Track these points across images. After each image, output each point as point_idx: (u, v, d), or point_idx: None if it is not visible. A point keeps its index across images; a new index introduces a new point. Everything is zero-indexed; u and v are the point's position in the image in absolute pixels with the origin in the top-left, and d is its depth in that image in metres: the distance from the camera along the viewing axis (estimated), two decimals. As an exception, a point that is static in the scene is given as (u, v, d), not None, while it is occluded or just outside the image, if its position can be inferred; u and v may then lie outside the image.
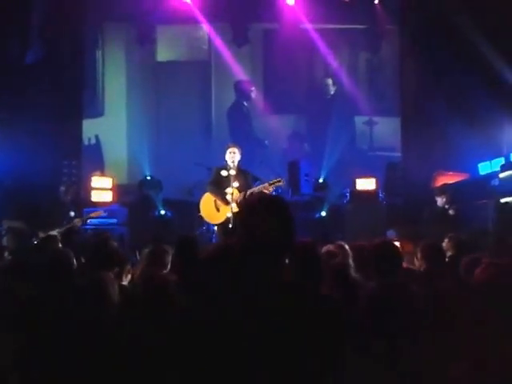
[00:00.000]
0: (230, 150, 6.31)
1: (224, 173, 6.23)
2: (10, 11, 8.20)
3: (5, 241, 5.58)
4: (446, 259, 3.98)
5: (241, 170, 6.32)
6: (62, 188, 7.20)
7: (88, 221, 7.38)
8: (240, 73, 9.95)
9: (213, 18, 9.54)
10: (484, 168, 8.27)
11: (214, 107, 10.22)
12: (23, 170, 7.78)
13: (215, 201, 6.34)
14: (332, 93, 10.24)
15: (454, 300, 2.71)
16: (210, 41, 9.84)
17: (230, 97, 10.14)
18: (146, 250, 3.81)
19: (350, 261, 3.72)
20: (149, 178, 9.17)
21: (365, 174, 8.96)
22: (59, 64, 8.69)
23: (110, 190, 8.77)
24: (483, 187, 7.02)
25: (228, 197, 6.18)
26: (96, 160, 9.09)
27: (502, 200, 6.56)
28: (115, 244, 3.89)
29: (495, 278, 2.79)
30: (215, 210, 6.34)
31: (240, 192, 6.14)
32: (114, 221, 7.91)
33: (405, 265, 3.73)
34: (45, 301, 2.90)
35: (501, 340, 2.24)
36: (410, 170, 8.98)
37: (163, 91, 9.95)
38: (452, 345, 2.31)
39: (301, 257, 2.67)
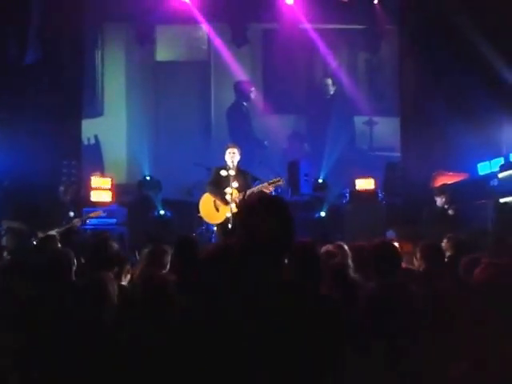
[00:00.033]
0: (229, 150, 6.31)
1: (223, 173, 6.23)
2: (10, 11, 8.19)
3: (4, 241, 5.58)
4: (445, 259, 3.98)
5: (240, 170, 6.32)
6: (62, 188, 7.19)
7: (87, 221, 7.37)
8: (239, 73, 9.95)
9: (212, 18, 9.54)
10: (483, 168, 8.28)
11: (214, 107, 10.22)
12: (22, 170, 7.78)
13: (214, 201, 6.33)
14: (331, 93, 10.24)
15: (454, 300, 2.71)
16: (209, 41, 9.84)
17: (230, 97, 10.14)
18: (146, 250, 3.81)
19: (349, 261, 3.72)
20: (148, 178, 9.17)
21: (364, 174, 8.97)
22: (59, 64, 8.69)
23: (110, 189, 8.77)
24: (482, 187, 7.02)
25: (227, 197, 6.18)
26: (95, 160, 9.09)
27: (502, 200, 6.56)
28: (115, 244, 3.89)
29: (495, 278, 2.79)
30: (215, 210, 6.34)
31: (239, 192, 6.14)
32: (114, 221, 7.91)
33: (404, 265, 3.73)
34: (44, 301, 2.90)
35: (500, 340, 2.24)
36: (409, 170, 8.99)
37: (162, 91, 9.95)
38: (452, 345, 2.32)
39: (300, 257, 2.67)
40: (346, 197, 8.57)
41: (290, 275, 2.53)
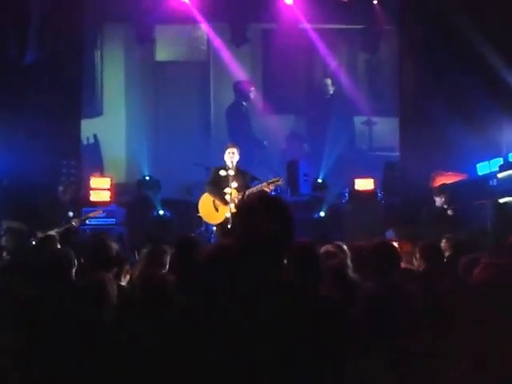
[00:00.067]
0: (228, 150, 6.31)
1: (223, 173, 6.23)
2: (9, 11, 8.19)
3: (3, 241, 5.57)
4: (444, 259, 3.98)
5: (239, 170, 6.31)
6: (61, 188, 7.18)
7: (87, 221, 7.37)
8: (239, 73, 9.95)
9: (211, 17, 9.54)
10: (482, 168, 8.28)
11: (213, 107, 10.22)
12: (22, 170, 7.78)
13: (214, 201, 6.33)
14: (331, 93, 10.25)
15: (453, 300, 2.72)
16: (208, 41, 9.84)
17: (229, 97, 10.14)
18: (145, 250, 3.80)
19: (349, 261, 3.72)
20: (147, 177, 9.17)
21: (363, 174, 8.97)
22: (58, 64, 8.68)
23: (109, 189, 8.77)
24: (482, 187, 7.02)
25: (227, 197, 6.17)
26: (95, 160, 9.08)
27: (501, 200, 6.56)
28: (114, 244, 3.88)
29: (494, 278, 2.79)
30: (214, 210, 6.34)
31: (239, 192, 6.14)
32: (113, 221, 7.91)
33: (403, 265, 3.73)
34: (44, 301, 2.90)
35: (500, 340, 2.24)
36: (408, 170, 8.99)
37: (162, 91, 9.95)
38: (451, 345, 2.32)
39: (300, 257, 2.66)
40: (345, 197, 8.57)
41: (289, 275, 2.53)
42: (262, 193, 5.97)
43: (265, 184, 6.13)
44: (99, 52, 9.41)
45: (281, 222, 1.65)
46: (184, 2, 9.46)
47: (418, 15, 9.30)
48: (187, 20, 9.48)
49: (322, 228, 8.34)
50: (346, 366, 1.61)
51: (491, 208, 6.57)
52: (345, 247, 4.08)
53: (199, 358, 1.52)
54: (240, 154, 6.34)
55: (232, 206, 6.09)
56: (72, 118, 9.05)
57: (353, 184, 8.89)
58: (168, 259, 3.73)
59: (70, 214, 6.90)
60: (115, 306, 2.69)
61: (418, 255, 3.76)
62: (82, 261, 3.81)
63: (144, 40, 9.43)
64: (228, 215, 6.12)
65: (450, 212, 6.84)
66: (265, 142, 10.06)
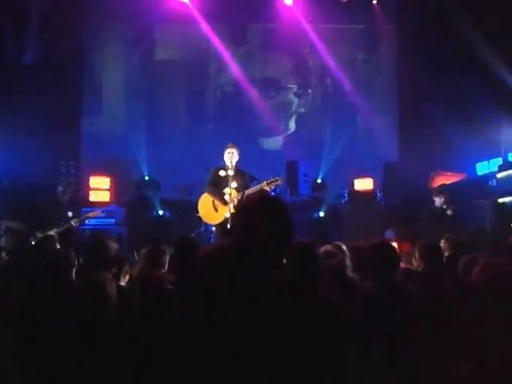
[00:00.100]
0: (228, 150, 6.30)
1: (222, 173, 6.22)
2: (8, 11, 8.18)
3: (2, 241, 5.57)
4: (444, 259, 3.98)
5: (239, 170, 6.31)
6: (60, 188, 7.17)
7: (86, 221, 7.36)
8: (238, 73, 9.95)
9: (211, 18, 9.55)
10: (482, 168, 8.29)
11: (213, 107, 10.22)
12: (21, 170, 7.77)
13: (213, 201, 6.32)
14: (330, 93, 10.24)
15: (452, 300, 2.72)
16: (208, 41, 9.83)
17: (229, 96, 10.14)
18: (144, 251, 3.80)
19: (348, 261, 3.72)
20: (147, 178, 9.18)
21: (363, 174, 8.98)
22: (58, 64, 8.68)
23: (108, 190, 8.77)
24: (481, 187, 7.03)
25: (226, 197, 6.17)
26: (94, 160, 9.07)
27: (500, 200, 6.56)
28: (113, 244, 3.88)
29: (493, 278, 2.79)
30: (213, 211, 6.33)
31: (238, 192, 6.13)
32: (112, 221, 7.91)
33: (403, 265, 3.73)
34: (43, 301, 2.90)
35: (500, 340, 2.24)
36: (407, 170, 8.99)
37: (161, 91, 9.95)
38: (450, 345, 2.32)
39: (299, 257, 2.66)
40: (344, 197, 8.57)
41: (288, 275, 2.53)
42: (261, 193, 5.97)
43: (264, 184, 6.12)
44: (99, 52, 9.40)
45: (280, 222, 1.65)
46: (184, 3, 9.47)
47: (417, 15, 9.31)
48: (187, 20, 9.48)
49: (321, 228, 8.34)
50: (346, 366, 1.61)
51: (490, 208, 6.56)
52: (344, 247, 4.08)
53: (199, 358, 1.52)
54: (239, 154, 6.33)
55: (231, 206, 6.08)
56: (71, 118, 9.05)
57: (352, 184, 8.90)
58: (167, 259, 3.73)
59: (70, 214, 6.89)
60: (115, 306, 2.68)
61: (417, 255, 3.76)
62: (82, 261, 3.81)
63: (144, 40, 9.43)
64: (227, 215, 6.11)
65: (449, 212, 6.84)
66: (264, 142, 10.07)
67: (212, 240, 6.53)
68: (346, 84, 10.01)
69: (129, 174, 9.19)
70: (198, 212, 6.52)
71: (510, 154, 7.93)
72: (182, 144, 9.83)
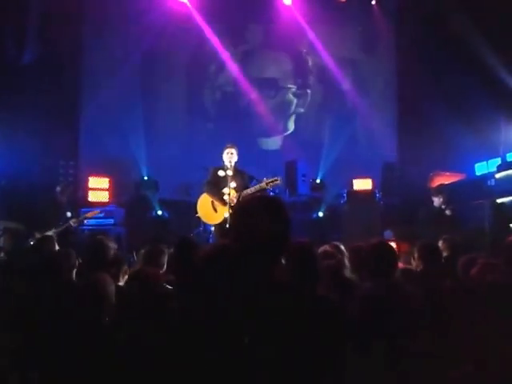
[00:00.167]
0: (227, 150, 6.30)
1: (221, 173, 6.22)
2: (7, 11, 8.17)
3: (1, 241, 5.55)
4: (442, 259, 3.99)
5: (238, 170, 6.31)
6: (58, 188, 7.16)
7: (85, 221, 7.35)
8: (238, 73, 9.95)
9: (210, 18, 9.55)
10: (480, 168, 8.30)
11: (212, 107, 10.22)
12: (20, 170, 7.77)
13: (212, 201, 6.32)
14: (329, 93, 10.25)
15: (451, 300, 2.72)
16: (207, 41, 9.82)
17: (228, 97, 10.14)
18: (143, 251, 3.80)
19: (346, 261, 3.73)
20: (146, 178, 9.17)
21: (362, 175, 8.98)
22: (58, 64, 8.67)
23: (107, 190, 8.77)
24: (480, 187, 7.03)
25: (225, 197, 6.17)
26: (93, 160, 9.07)
27: (499, 200, 6.57)
28: (112, 245, 3.88)
29: (492, 278, 2.80)
30: (213, 211, 6.33)
31: (237, 192, 6.14)
32: (111, 221, 7.90)
33: (402, 265, 3.74)
34: (42, 301, 2.90)
35: (499, 340, 2.25)
36: (406, 171, 9.01)
37: (161, 91, 9.95)
38: (450, 344, 2.32)
39: (298, 257, 2.66)
40: (343, 197, 8.58)
41: (287, 275, 2.53)
42: (260, 193, 5.97)
43: (263, 184, 6.12)
44: (99, 52, 9.40)
45: (279, 222, 1.65)
46: (183, 3, 9.47)
47: (416, 15, 9.32)
48: (186, 20, 9.49)
49: (320, 228, 8.35)
50: (346, 366, 1.61)
51: (489, 208, 6.57)
52: (342, 247, 4.09)
53: (199, 358, 1.52)
54: (238, 155, 6.33)
55: (230, 206, 6.09)
56: (71, 119, 9.05)
57: (351, 184, 8.90)
58: (166, 259, 3.73)
59: (68, 214, 6.89)
60: (114, 306, 2.68)
61: (416, 255, 3.77)
62: (81, 261, 3.81)
63: (143, 40, 9.42)
64: (227, 215, 6.11)
65: (448, 212, 6.85)
66: (263, 142, 10.07)
67: (211, 240, 6.52)
68: (345, 84, 10.02)
69: (128, 174, 9.19)
70: (197, 212, 6.52)
71: (508, 155, 7.94)
72: (181, 144, 9.83)
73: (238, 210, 1.80)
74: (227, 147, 6.35)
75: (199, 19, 9.56)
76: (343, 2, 9.61)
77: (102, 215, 7.70)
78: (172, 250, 3.79)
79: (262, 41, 10.16)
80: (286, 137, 10.27)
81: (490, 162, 8.05)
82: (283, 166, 9.02)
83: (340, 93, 10.05)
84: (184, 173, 8.78)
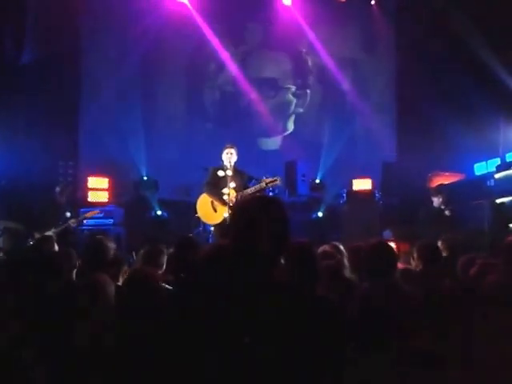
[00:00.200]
0: (226, 150, 6.30)
1: (221, 173, 6.22)
2: (8, 11, 8.17)
3: (0, 241, 5.55)
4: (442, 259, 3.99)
5: (237, 170, 6.31)
6: (57, 188, 7.16)
7: (84, 221, 7.35)
8: (237, 73, 9.95)
9: (210, 18, 9.56)
10: (480, 168, 8.31)
11: (211, 107, 10.22)
12: (19, 170, 7.76)
13: (212, 201, 6.32)
14: (329, 93, 10.25)
15: (451, 300, 2.72)
16: (207, 41, 9.83)
17: (228, 97, 10.14)
18: (142, 251, 3.80)
19: (346, 261, 3.73)
20: (145, 178, 9.17)
21: (361, 175, 8.99)
22: (58, 64, 8.66)
23: (107, 190, 8.76)
24: (479, 188, 7.03)
25: (225, 197, 6.17)
26: (93, 160, 9.07)
27: (498, 200, 6.57)
28: (112, 245, 3.88)
29: (491, 278, 2.80)
30: (212, 211, 6.33)
31: (237, 192, 6.14)
32: (111, 221, 7.90)
33: (401, 265, 3.74)
34: (41, 301, 2.90)
35: (499, 340, 2.25)
36: (406, 171, 9.00)
37: (160, 91, 9.95)
38: (450, 345, 2.32)
39: (297, 257, 2.66)
40: (343, 197, 8.58)
41: (286, 275, 2.53)
42: (259, 193, 5.97)
43: (263, 184, 6.12)
44: (98, 52, 9.40)
45: (278, 222, 1.65)
46: (183, 3, 9.48)
47: (416, 15, 9.32)
48: (186, 20, 9.49)
49: (319, 228, 8.36)
50: (346, 366, 1.61)
51: (488, 208, 6.58)
52: (341, 247, 4.09)
53: (199, 359, 1.52)
54: (238, 155, 6.34)
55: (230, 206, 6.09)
56: (70, 119, 9.04)
57: (350, 184, 8.91)
58: (165, 259, 3.73)
59: (68, 214, 6.89)
60: (113, 307, 2.68)
61: (415, 255, 3.77)
62: (80, 261, 3.81)
63: (143, 40, 9.42)
64: (226, 215, 6.10)
65: (447, 212, 6.85)
66: (263, 142, 10.08)
67: (210, 240, 6.52)
68: (345, 84, 10.02)
69: (127, 174, 9.19)
70: (196, 212, 6.52)
71: (507, 155, 7.94)
72: (180, 144, 9.83)
73: (237, 210, 1.80)
74: (227, 147, 6.35)
75: (199, 19, 9.56)
76: (343, 2, 9.62)
77: (101, 215, 7.70)
78: (171, 250, 3.79)
79: (261, 41, 10.16)
80: (285, 137, 10.28)
81: (489, 162, 8.05)
82: (283, 166, 9.02)
83: (339, 93, 10.05)
84: (183, 173, 8.78)
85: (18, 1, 8.47)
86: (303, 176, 9.02)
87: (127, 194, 8.96)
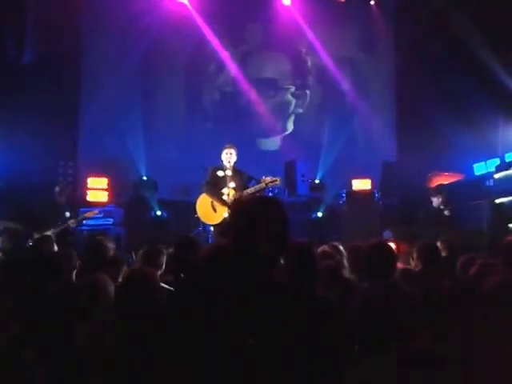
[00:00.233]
0: (226, 150, 6.31)
1: (220, 173, 6.23)
2: (8, 11, 8.17)
3: (0, 241, 5.55)
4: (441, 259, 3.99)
5: (237, 170, 6.32)
6: (57, 188, 7.16)
7: (83, 221, 7.35)
8: (237, 73, 9.95)
9: (210, 18, 9.56)
10: (479, 168, 8.31)
11: (211, 107, 10.22)
12: (19, 170, 7.76)
13: (212, 202, 6.32)
14: (328, 93, 10.25)
15: (450, 300, 2.72)
16: (207, 41, 9.83)
17: (227, 97, 10.15)
18: (141, 251, 3.80)
19: (345, 261, 3.73)
20: (145, 178, 9.17)
21: (361, 175, 8.99)
22: (58, 64, 8.66)
23: (106, 190, 8.76)
24: (478, 188, 7.04)
25: (224, 197, 6.17)
26: (92, 160, 9.07)
27: (497, 200, 6.58)
28: (111, 245, 3.88)
29: (490, 278, 2.80)
30: (212, 211, 6.33)
31: (236, 192, 6.14)
32: (110, 221, 7.90)
33: (401, 265, 3.74)
34: (41, 301, 2.90)
35: (500, 340, 2.25)
36: (405, 171, 9.00)
37: (160, 91, 9.95)
38: (449, 345, 2.32)
39: (296, 257, 2.67)
40: (342, 197, 8.58)
41: (286, 276, 2.53)
42: (259, 193, 5.98)
43: (262, 184, 6.12)
44: (98, 52, 9.40)
45: (278, 222, 1.65)
46: (183, 3, 9.48)
47: (415, 15, 9.32)
48: (186, 20, 9.49)
49: (319, 228, 8.36)
50: (346, 366, 1.61)
51: (488, 208, 6.58)
52: (341, 247, 4.09)
53: (198, 359, 1.52)
54: (237, 155, 6.34)
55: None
56: (70, 119, 9.04)
57: (350, 184, 8.91)
58: (164, 260, 3.72)
59: (67, 214, 6.88)
60: (113, 307, 2.68)
61: (415, 255, 3.77)
62: (79, 261, 3.81)
63: (142, 40, 9.42)
64: (226, 215, 6.11)
65: (446, 212, 6.86)
66: (262, 142, 10.08)
67: (210, 240, 6.53)
68: (344, 84, 10.02)
69: (127, 174, 9.19)
70: (196, 212, 6.52)
71: (507, 155, 7.94)
72: (180, 144, 9.83)
73: (236, 210, 1.80)
74: (226, 147, 6.35)
75: (198, 19, 9.56)
76: (342, 2, 9.62)
77: (100, 215, 7.70)
78: (171, 250, 3.79)
79: (261, 41, 10.16)
80: (285, 137, 10.28)
81: (488, 162, 8.05)
82: (282, 167, 9.02)
83: (339, 93, 10.05)
84: (183, 173, 8.78)
85: (18, 1, 8.47)
86: (303, 176, 9.02)
87: (127, 194, 8.96)
